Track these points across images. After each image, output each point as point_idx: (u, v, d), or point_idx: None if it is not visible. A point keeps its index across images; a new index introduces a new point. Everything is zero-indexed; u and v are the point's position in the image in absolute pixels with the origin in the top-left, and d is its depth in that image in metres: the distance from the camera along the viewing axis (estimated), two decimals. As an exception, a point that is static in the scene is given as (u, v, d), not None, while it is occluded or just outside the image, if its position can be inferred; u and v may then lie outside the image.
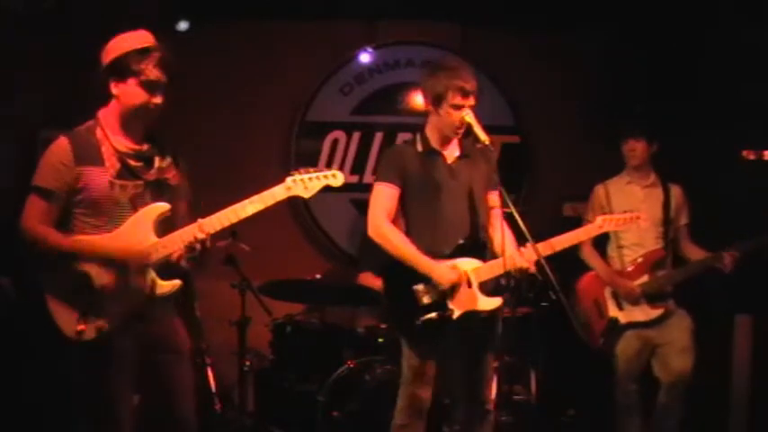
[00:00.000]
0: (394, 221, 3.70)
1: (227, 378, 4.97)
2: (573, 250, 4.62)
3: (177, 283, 3.11)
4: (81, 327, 3.02)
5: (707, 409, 4.97)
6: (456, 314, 3.61)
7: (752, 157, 4.21)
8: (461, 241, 3.69)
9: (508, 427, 4.56)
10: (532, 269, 3.54)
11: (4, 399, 4.64)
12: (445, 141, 3.73)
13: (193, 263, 3.16)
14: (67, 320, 3.05)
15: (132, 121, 3.11)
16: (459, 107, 3.60)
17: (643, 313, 4.53)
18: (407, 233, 3.70)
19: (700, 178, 5.16)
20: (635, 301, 4.52)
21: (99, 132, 3.12)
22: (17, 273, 4.71)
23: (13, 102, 5.23)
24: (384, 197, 3.68)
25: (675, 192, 4.66)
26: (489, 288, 3.70)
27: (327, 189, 5.60)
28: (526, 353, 4.94)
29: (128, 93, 3.07)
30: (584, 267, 4.74)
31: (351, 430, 4.39)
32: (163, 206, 3.11)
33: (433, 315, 3.58)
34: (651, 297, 4.52)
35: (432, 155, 3.72)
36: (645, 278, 4.54)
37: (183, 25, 5.38)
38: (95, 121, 3.16)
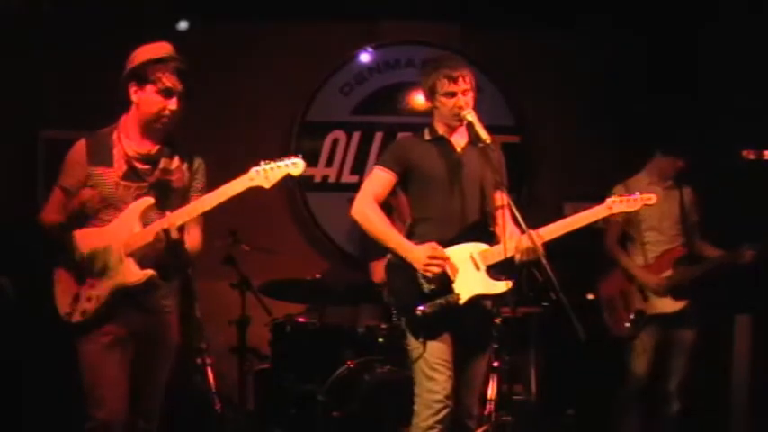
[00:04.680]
0: (399, 209, 3.66)
1: (228, 378, 4.97)
2: (597, 245, 4.67)
3: (149, 272, 3.24)
4: (70, 309, 3.27)
5: (707, 409, 4.97)
6: (463, 299, 3.50)
7: (752, 157, 4.22)
8: (468, 225, 3.62)
9: (508, 427, 4.56)
10: (540, 251, 3.44)
11: (4, 397, 4.64)
12: (451, 131, 3.71)
13: (168, 253, 3.26)
14: (64, 302, 3.29)
15: (150, 126, 3.30)
16: (450, 94, 3.59)
17: (669, 305, 4.61)
18: (415, 225, 3.65)
19: (699, 178, 5.16)
20: (662, 293, 4.58)
21: (115, 136, 3.34)
22: (17, 272, 4.72)
23: (13, 102, 5.24)
24: (377, 181, 3.66)
25: (687, 191, 4.78)
26: (497, 272, 3.58)
27: (328, 189, 5.61)
28: (526, 353, 4.94)
29: (146, 100, 3.27)
30: (605, 263, 4.76)
31: (351, 430, 4.39)
32: (147, 200, 3.28)
33: (437, 302, 3.47)
34: (674, 290, 4.58)
35: (439, 142, 3.69)
36: (669, 272, 4.62)
37: (182, 25, 5.38)
38: (115, 125, 3.37)
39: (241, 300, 4.91)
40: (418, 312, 3.48)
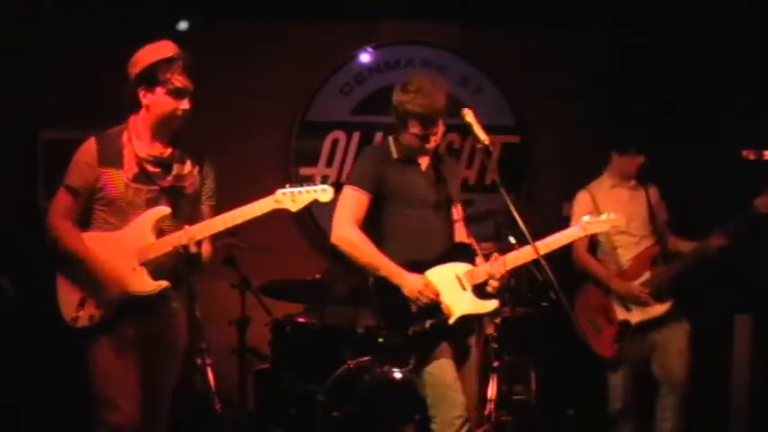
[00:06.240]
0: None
1: (228, 378, 4.97)
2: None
3: (163, 283, 3.20)
4: (76, 314, 3.20)
5: (707, 410, 4.97)
6: (452, 319, 3.50)
7: (752, 157, 4.21)
8: (446, 244, 3.62)
9: (508, 428, 4.56)
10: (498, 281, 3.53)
11: (4, 397, 4.64)
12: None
13: (186, 265, 3.24)
14: (68, 307, 3.22)
15: (160, 127, 3.25)
16: (423, 137, 3.54)
17: (654, 309, 4.54)
18: (381, 242, 3.59)
19: (699, 178, 5.16)
20: (643, 302, 4.53)
21: (125, 136, 3.28)
22: (17, 272, 4.72)
23: (13, 102, 5.24)
24: (354, 203, 3.57)
25: (652, 191, 4.73)
26: (482, 291, 3.59)
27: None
28: (526, 353, 4.94)
29: (156, 101, 3.21)
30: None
31: (351, 430, 4.39)
32: (163, 210, 3.23)
33: (428, 323, 3.47)
34: (656, 293, 4.54)
35: (405, 163, 3.64)
36: (647, 275, 4.57)
37: (182, 25, 5.39)
38: (125, 125, 3.30)
39: (241, 300, 4.91)
40: (409, 333, 3.47)
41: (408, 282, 3.48)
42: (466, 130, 3.59)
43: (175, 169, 3.28)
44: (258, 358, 5.03)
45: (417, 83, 3.55)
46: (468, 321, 3.60)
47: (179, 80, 3.18)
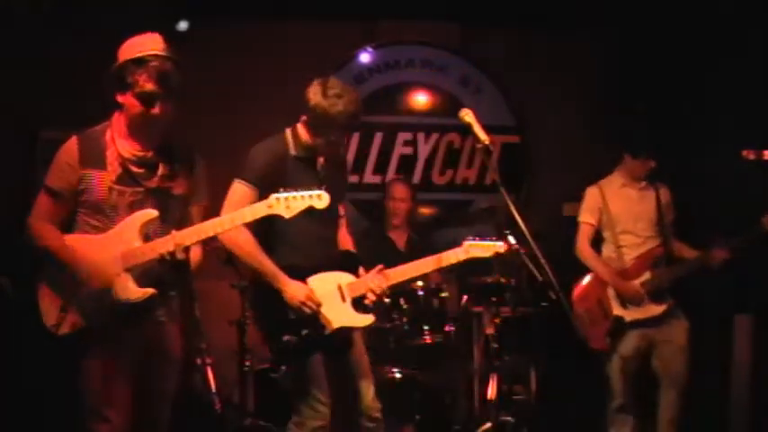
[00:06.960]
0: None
1: (228, 378, 4.97)
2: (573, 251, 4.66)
3: (149, 291, 3.05)
4: (58, 320, 3.07)
5: (707, 409, 4.97)
6: (329, 330, 3.48)
7: (752, 156, 4.21)
8: (332, 250, 3.61)
9: (508, 427, 4.56)
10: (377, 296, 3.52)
11: (4, 397, 4.64)
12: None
13: (171, 273, 3.09)
14: (51, 313, 3.10)
15: (138, 128, 3.09)
16: (334, 144, 3.55)
17: (648, 310, 4.54)
18: (268, 242, 3.50)
19: (700, 178, 5.16)
20: (640, 302, 4.53)
21: (108, 135, 3.12)
22: (17, 272, 4.71)
23: (13, 102, 5.24)
24: (241, 198, 3.44)
25: (663, 191, 4.73)
26: (359, 304, 3.57)
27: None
28: (526, 353, 4.94)
29: (128, 103, 3.05)
30: (583, 268, 4.73)
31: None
32: (150, 213, 3.08)
33: (303, 333, 3.45)
34: (654, 294, 4.54)
35: (304, 161, 3.58)
36: (647, 275, 4.57)
37: (182, 25, 5.39)
38: (109, 122, 3.15)
39: (241, 300, 4.91)
40: (284, 339, 3.45)
41: (291, 289, 3.44)
42: (466, 130, 3.58)
43: (161, 169, 3.12)
44: (258, 358, 5.02)
45: (337, 88, 3.51)
46: (343, 332, 3.56)
47: (147, 84, 2.98)
